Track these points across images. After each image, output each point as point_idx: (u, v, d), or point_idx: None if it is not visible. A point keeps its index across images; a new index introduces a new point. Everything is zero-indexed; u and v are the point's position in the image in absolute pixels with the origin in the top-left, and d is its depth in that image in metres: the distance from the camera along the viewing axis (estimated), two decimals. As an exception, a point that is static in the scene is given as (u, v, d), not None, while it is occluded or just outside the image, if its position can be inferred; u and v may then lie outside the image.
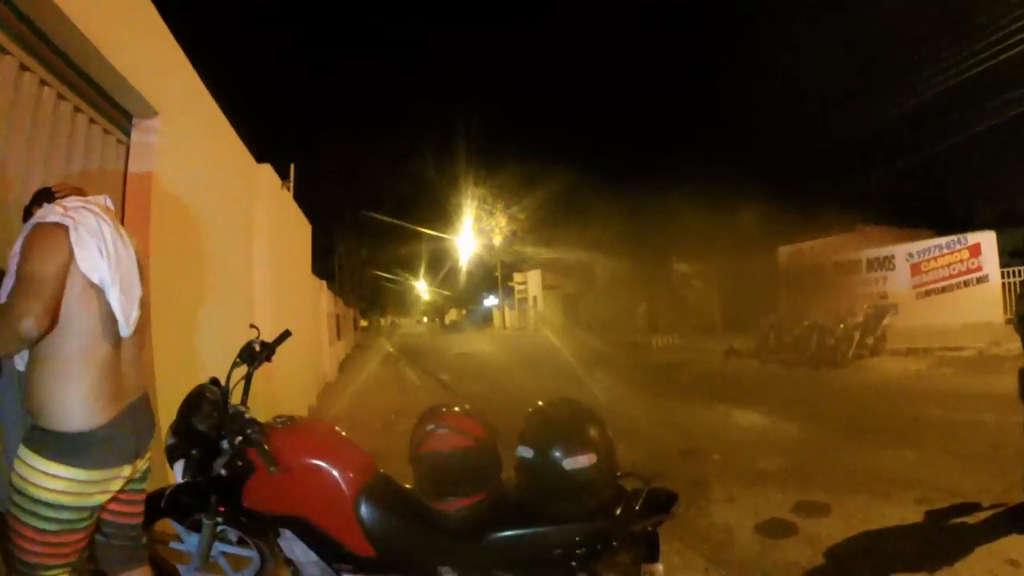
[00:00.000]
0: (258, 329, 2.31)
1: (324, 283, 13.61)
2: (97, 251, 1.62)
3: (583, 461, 1.80)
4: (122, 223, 1.91)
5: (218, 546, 2.24)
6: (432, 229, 29.85)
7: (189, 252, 3.80)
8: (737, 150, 29.58)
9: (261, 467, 1.92)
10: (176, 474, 1.97)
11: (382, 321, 49.69)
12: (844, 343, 9.46)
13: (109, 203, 1.81)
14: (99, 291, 1.65)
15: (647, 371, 9.93)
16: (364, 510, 1.91)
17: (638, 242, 19.50)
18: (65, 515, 1.62)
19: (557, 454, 1.82)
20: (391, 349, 21.17)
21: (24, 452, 1.60)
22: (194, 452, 1.94)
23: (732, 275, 17.30)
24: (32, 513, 1.59)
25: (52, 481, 1.59)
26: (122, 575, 1.83)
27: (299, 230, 8.86)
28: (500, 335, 24.77)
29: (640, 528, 1.88)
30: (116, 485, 1.73)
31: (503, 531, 1.84)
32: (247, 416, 2.02)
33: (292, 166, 8.51)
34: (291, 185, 8.45)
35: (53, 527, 1.61)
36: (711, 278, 18.05)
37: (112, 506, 1.78)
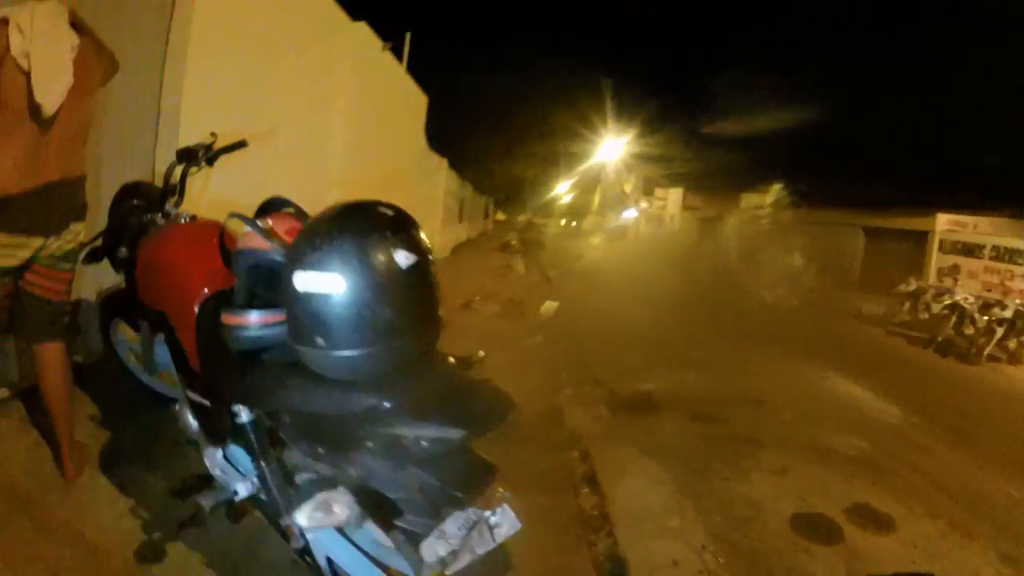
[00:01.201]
0: (215, 136, 2.29)
1: (444, 161, 13.97)
2: (20, 38, 1.79)
3: (316, 283, 1.15)
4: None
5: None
6: (580, 131, 29.13)
7: (236, 95, 4.01)
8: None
9: (142, 258, 2.03)
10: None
11: (520, 217, 50.84)
12: (983, 337, 7.86)
13: (63, 9, 1.95)
14: (26, 75, 1.82)
15: (755, 315, 9.10)
16: (200, 320, 1.71)
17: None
18: None
19: (292, 264, 1.21)
20: (515, 241, 21.65)
21: None
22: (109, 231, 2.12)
23: (882, 233, 15.26)
24: None
25: None
26: (38, 346, 2.12)
27: (407, 100, 8.99)
28: (627, 248, 24.13)
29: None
30: (24, 253, 1.96)
31: (281, 374, 1.38)
32: (167, 210, 2.14)
33: (407, 35, 8.54)
34: (404, 54, 8.54)
35: None
36: (853, 234, 15.99)
37: (30, 277, 2.05)
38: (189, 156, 2.20)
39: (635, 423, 3.84)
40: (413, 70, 8.94)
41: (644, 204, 30.04)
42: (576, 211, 51.31)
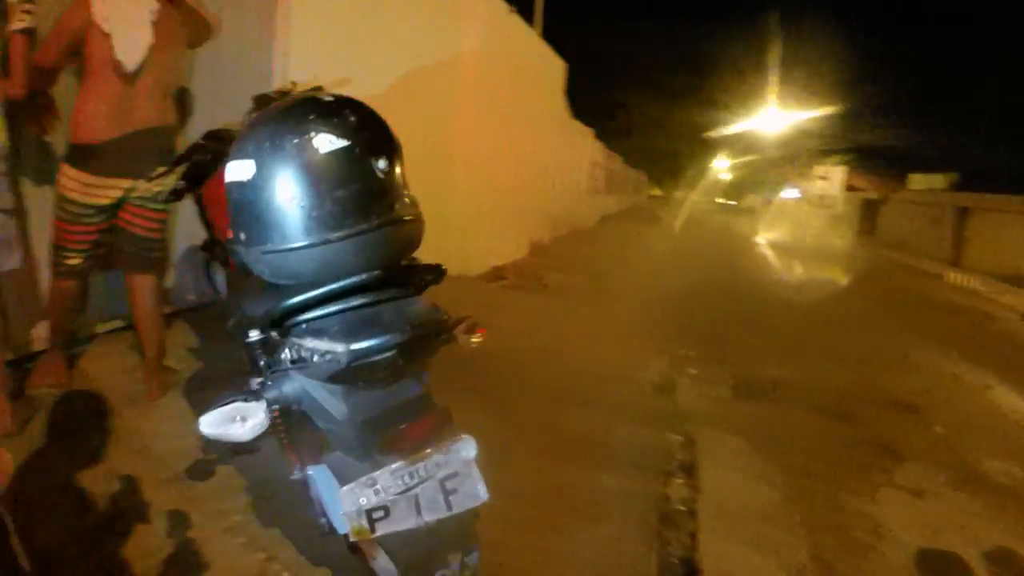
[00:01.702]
0: (294, 84, 2.32)
1: (590, 132, 13.54)
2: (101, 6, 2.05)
3: (233, 171, 1.06)
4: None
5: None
6: (740, 103, 26.90)
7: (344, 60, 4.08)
8: None
9: (205, 195, 2.17)
10: None
11: (676, 194, 48.87)
12: None
13: None
14: (108, 37, 2.07)
15: (915, 308, 7.61)
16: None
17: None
18: (74, 208, 2.15)
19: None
20: (663, 215, 20.59)
21: (62, 162, 2.17)
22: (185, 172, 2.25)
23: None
24: (59, 207, 2.19)
25: (67, 180, 2.14)
26: (130, 276, 2.34)
27: (542, 66, 8.72)
28: (780, 227, 21.88)
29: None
30: (116, 193, 2.18)
31: (245, 284, 1.31)
32: None
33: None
34: (537, 19, 8.28)
35: (66, 216, 2.17)
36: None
37: (124, 215, 2.27)
38: (264, 102, 2.26)
39: (755, 411, 3.25)
40: (551, 36, 8.67)
41: (806, 183, 27.08)
42: (734, 189, 48.41)
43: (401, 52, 4.71)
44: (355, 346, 0.96)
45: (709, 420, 2.99)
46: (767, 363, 4.16)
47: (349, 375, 1.00)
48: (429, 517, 1.01)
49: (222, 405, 0.99)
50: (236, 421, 0.99)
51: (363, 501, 0.97)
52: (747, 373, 3.87)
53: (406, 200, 1.11)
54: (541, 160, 8.80)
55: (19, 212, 2.17)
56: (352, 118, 1.04)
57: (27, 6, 1.97)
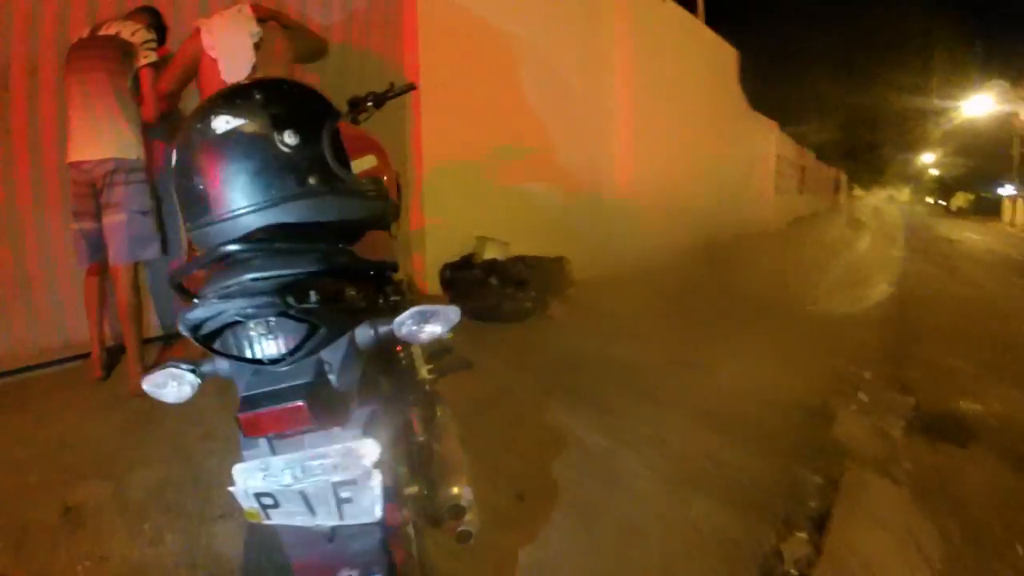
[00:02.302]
0: (392, 84, 2.40)
1: (774, 124, 12.14)
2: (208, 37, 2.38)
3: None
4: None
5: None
6: (948, 87, 22.01)
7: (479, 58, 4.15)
8: None
9: None
10: None
11: (880, 193, 41.95)
12: None
13: (245, 8, 2.48)
14: (215, 62, 2.40)
15: None
16: None
17: None
18: None
19: None
20: (863, 218, 17.69)
21: None
22: None
23: None
24: None
25: None
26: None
27: (710, 55, 8.02)
28: (999, 235, 17.35)
29: None
30: None
31: None
32: None
33: None
34: (699, 5, 7.64)
35: None
36: None
37: None
38: (356, 104, 2.34)
39: (930, 454, 2.48)
40: (720, 22, 7.96)
41: None
42: (943, 188, 40.13)
43: (544, 48, 4.61)
44: (187, 314, 0.91)
45: (866, 460, 2.36)
46: (963, 393, 3.23)
47: (224, 348, 0.96)
48: (322, 520, 0.92)
49: (162, 367, 1.00)
50: (170, 385, 1.00)
51: (251, 483, 0.93)
52: (932, 404, 3.02)
53: (336, 174, 1.03)
54: (713, 156, 8.09)
55: (154, 212, 2.51)
56: (257, 96, 1.01)
57: (151, 44, 2.33)
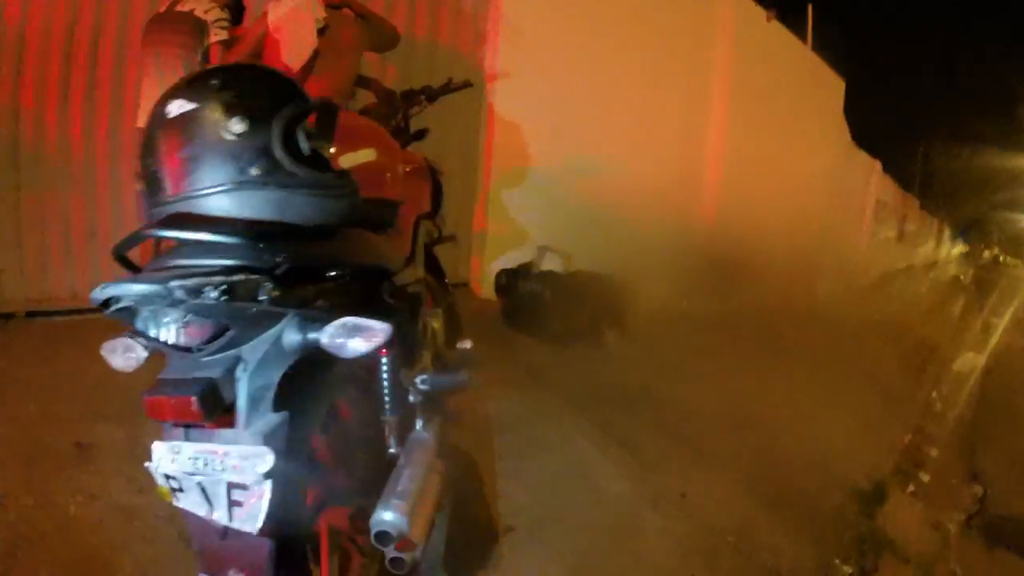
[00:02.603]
0: (450, 80, 2.43)
1: (876, 164, 11.25)
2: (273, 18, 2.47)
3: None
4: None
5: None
6: None
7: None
8: None
9: None
10: None
11: (986, 251, 36.73)
12: None
13: None
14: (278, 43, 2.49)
15: None
16: None
17: None
18: None
19: None
20: (965, 278, 16.00)
21: None
22: None
23: None
24: None
25: None
26: None
27: (815, 84, 7.52)
28: None
29: None
30: None
31: None
32: None
33: (810, 7, 7.14)
34: (807, 30, 7.17)
35: None
36: None
37: None
38: (409, 96, 2.38)
39: (985, 561, 2.17)
40: (828, 47, 7.47)
41: None
42: None
43: (635, 61, 4.41)
44: (94, 290, 0.90)
45: (908, 556, 2.10)
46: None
47: (145, 328, 0.96)
48: (216, 517, 0.92)
49: (121, 336, 0.99)
50: (120, 352, 0.99)
51: (162, 464, 0.94)
52: (1003, 497, 2.65)
53: (283, 166, 1.01)
54: (808, 193, 7.57)
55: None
56: (213, 81, 1.02)
57: (223, 23, 2.42)
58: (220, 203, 0.98)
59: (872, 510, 2.43)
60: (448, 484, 1.43)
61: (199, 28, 2.57)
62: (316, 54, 2.43)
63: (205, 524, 0.94)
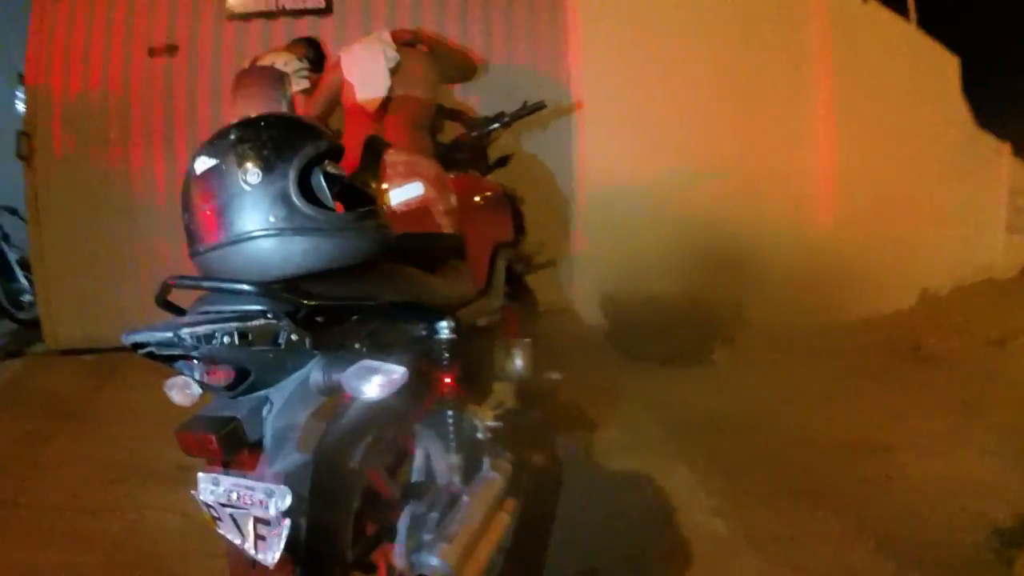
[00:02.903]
0: (526, 103, 2.47)
1: (1005, 146, 10.01)
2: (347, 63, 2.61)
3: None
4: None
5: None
6: None
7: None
8: None
9: None
10: None
11: None
12: None
13: (384, 35, 2.64)
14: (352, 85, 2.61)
15: None
16: None
17: None
18: None
19: None
20: None
21: None
22: None
23: None
24: None
25: None
26: None
27: (925, 65, 6.82)
28: None
29: None
30: None
31: None
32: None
33: None
34: (910, 11, 6.52)
35: None
36: None
37: None
38: (483, 124, 2.46)
39: None
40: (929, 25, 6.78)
41: None
42: None
43: (727, 61, 4.17)
44: (126, 333, 0.96)
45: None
46: None
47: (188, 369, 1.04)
48: (247, 548, 0.98)
49: (178, 375, 1.09)
50: (178, 389, 1.08)
51: (202, 492, 1.02)
52: None
53: (302, 211, 1.03)
54: (931, 184, 6.80)
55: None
56: (232, 136, 1.08)
57: (303, 72, 2.50)
58: (244, 252, 1.02)
59: (1013, 554, 1.93)
60: (517, 524, 1.47)
61: (281, 80, 2.71)
62: (391, 92, 2.46)
63: (239, 551, 1.01)
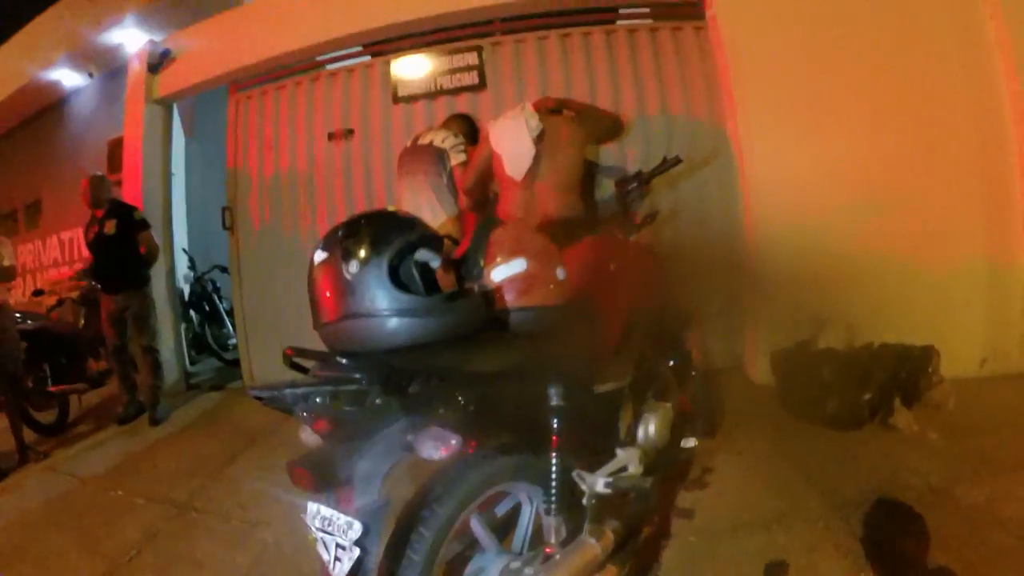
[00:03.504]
0: (666, 157, 2.36)
1: None
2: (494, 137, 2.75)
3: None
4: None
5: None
6: None
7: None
8: None
9: None
10: None
11: None
12: None
13: (527, 106, 2.75)
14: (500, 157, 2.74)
15: None
16: None
17: None
18: None
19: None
20: None
21: None
22: None
23: None
24: None
25: None
26: None
27: None
28: None
29: None
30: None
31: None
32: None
33: None
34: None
35: None
36: None
37: None
38: (623, 183, 2.39)
39: None
40: None
41: None
42: None
43: (897, 74, 3.65)
44: (252, 388, 1.20)
45: None
46: None
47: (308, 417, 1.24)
48: (330, 568, 1.20)
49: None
50: (306, 436, 1.31)
51: (309, 516, 1.25)
52: None
53: (381, 295, 1.22)
54: None
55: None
56: (340, 233, 1.30)
57: (459, 147, 2.67)
58: (349, 329, 1.24)
59: None
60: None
61: (440, 156, 2.91)
62: (538, 160, 2.51)
63: (327, 569, 1.20)
